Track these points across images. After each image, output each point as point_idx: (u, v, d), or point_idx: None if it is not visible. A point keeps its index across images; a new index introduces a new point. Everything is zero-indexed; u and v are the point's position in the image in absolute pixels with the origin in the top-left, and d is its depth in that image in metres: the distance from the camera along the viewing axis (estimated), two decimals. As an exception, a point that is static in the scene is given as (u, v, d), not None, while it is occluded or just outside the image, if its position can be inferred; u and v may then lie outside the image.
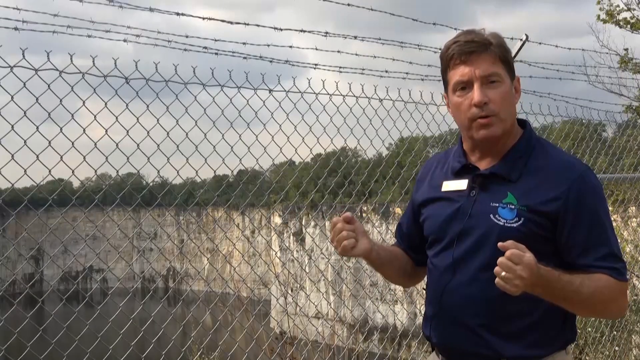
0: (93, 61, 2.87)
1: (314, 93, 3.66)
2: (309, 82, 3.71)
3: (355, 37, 4.01)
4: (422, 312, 2.16)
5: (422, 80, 4.39)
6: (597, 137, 5.80)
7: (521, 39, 4.12)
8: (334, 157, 5.18)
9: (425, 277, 2.14)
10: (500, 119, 1.90)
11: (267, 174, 6.68)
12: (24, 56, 2.60)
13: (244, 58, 3.48)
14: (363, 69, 4.04)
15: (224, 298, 4.37)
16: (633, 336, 5.98)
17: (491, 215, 1.88)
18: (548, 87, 5.30)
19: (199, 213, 41.62)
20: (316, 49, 3.76)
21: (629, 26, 11.48)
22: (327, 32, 3.74)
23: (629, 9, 11.44)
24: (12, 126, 2.69)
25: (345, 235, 1.97)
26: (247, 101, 3.49)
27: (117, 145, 3.04)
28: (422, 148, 4.95)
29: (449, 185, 2.03)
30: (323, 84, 3.70)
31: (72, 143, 2.88)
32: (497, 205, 1.89)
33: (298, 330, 4.68)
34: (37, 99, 2.70)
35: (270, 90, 3.51)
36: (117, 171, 3.11)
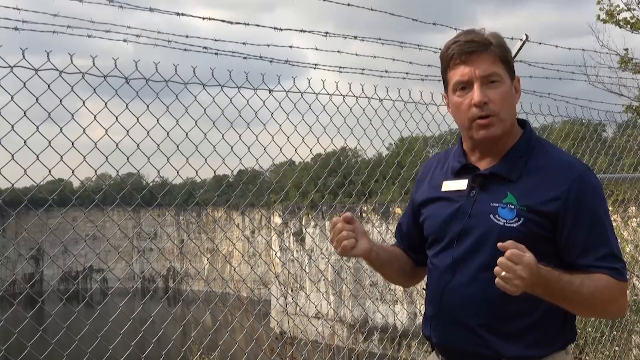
0: (93, 61, 2.87)
1: (314, 93, 3.66)
2: (309, 82, 3.71)
3: (355, 37, 4.02)
4: (422, 312, 2.16)
5: (422, 80, 4.40)
6: (597, 137, 5.80)
7: (521, 39, 4.12)
8: (334, 157, 5.18)
9: (425, 277, 2.14)
10: (500, 119, 1.90)
11: (267, 174, 6.68)
12: (24, 56, 2.61)
13: (244, 58, 3.48)
14: (363, 69, 4.04)
15: (224, 298, 4.37)
16: (633, 336, 5.98)
17: (491, 215, 1.88)
18: (548, 87, 5.30)
19: (199, 213, 41.62)
20: (316, 49, 3.76)
21: (629, 26, 11.48)
22: (327, 32, 3.75)
23: (629, 9, 11.45)
24: (12, 126, 2.70)
25: (345, 236, 1.97)
26: (247, 101, 3.50)
27: (117, 145, 3.04)
28: (422, 148, 4.95)
29: (449, 185, 2.03)
30: (323, 84, 3.70)
31: (72, 143, 2.88)
32: (497, 205, 1.89)
33: (298, 330, 4.68)
34: (37, 99, 2.71)
35: (270, 90, 3.51)
36: (117, 171, 3.11)
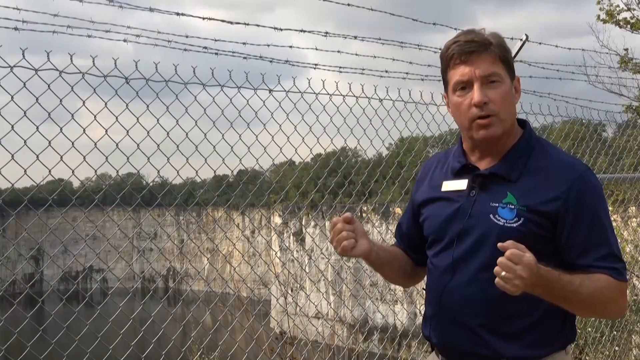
0: (93, 61, 2.87)
1: (314, 93, 3.66)
2: (309, 82, 3.71)
3: (355, 37, 4.02)
4: (422, 312, 2.16)
5: (422, 80, 4.40)
6: (597, 137, 5.80)
7: (521, 39, 4.12)
8: (334, 157, 5.18)
9: (425, 277, 2.14)
10: (500, 119, 1.90)
11: (267, 174, 6.68)
12: (24, 56, 2.61)
13: (244, 58, 3.48)
14: (363, 69, 4.04)
15: (224, 298, 4.37)
16: (633, 336, 5.98)
17: (491, 215, 1.88)
18: (548, 87, 5.30)
19: (199, 213, 41.64)
20: (316, 49, 3.76)
21: (629, 26, 11.48)
22: (327, 32, 3.74)
23: (629, 9, 11.45)
24: (12, 126, 2.70)
25: (345, 236, 1.96)
26: (247, 101, 3.50)
27: (117, 145, 3.04)
28: (422, 148, 4.95)
29: (449, 185, 2.03)
30: (323, 84, 3.70)
31: (72, 143, 2.88)
32: (497, 205, 1.89)
33: (298, 330, 4.68)
34: (37, 99, 2.70)
35: (270, 90, 3.51)
36: (117, 171, 3.11)
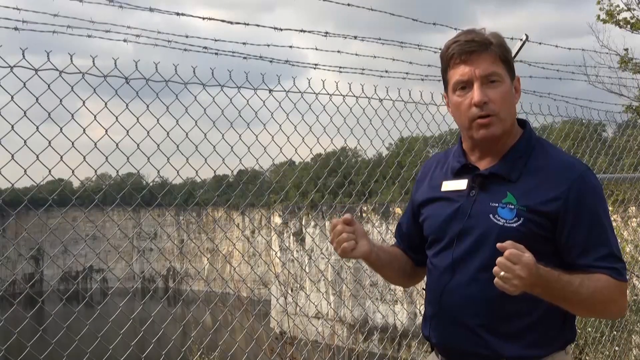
0: (93, 61, 2.87)
1: (314, 93, 3.66)
2: (309, 82, 3.71)
3: (355, 37, 4.02)
4: (422, 312, 2.16)
5: (422, 80, 4.40)
6: (597, 137, 5.80)
7: (521, 39, 4.12)
8: (334, 157, 5.18)
9: (425, 277, 2.14)
10: (500, 118, 1.90)
11: (267, 174, 6.68)
12: (24, 56, 2.61)
13: (244, 58, 3.48)
14: (363, 69, 4.04)
15: (224, 298, 4.37)
16: (633, 336, 5.98)
17: (491, 215, 1.88)
18: (548, 87, 5.30)
19: (199, 213, 41.64)
20: (316, 49, 3.76)
21: (629, 26, 11.49)
22: (327, 32, 3.74)
23: (629, 9, 11.46)
24: (12, 126, 2.70)
25: (345, 238, 1.96)
26: (247, 101, 3.50)
27: (117, 145, 3.04)
28: (422, 148, 4.95)
29: (449, 185, 2.03)
30: (323, 84, 3.70)
31: (72, 143, 2.88)
32: (497, 205, 1.89)
33: (298, 330, 4.68)
34: (37, 99, 2.70)
35: (270, 90, 3.51)
36: (117, 171, 3.11)
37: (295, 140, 3.68)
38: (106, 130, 2.98)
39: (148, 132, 3.07)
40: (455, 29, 3.58)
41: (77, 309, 3.34)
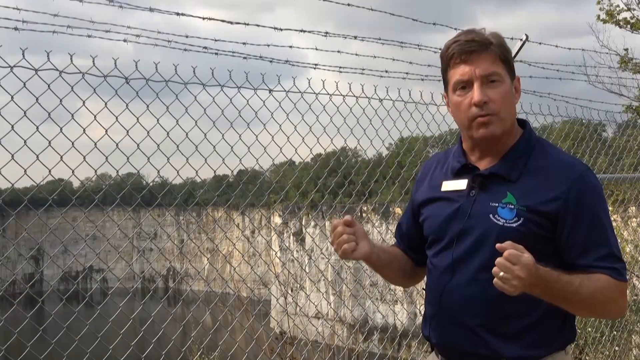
0: (93, 61, 2.87)
1: (314, 93, 3.66)
2: (309, 82, 3.71)
3: (355, 37, 4.02)
4: (422, 312, 2.16)
5: (422, 80, 4.40)
6: (597, 137, 5.80)
7: (521, 39, 4.12)
8: (334, 157, 5.18)
9: (425, 277, 2.14)
10: (500, 118, 1.90)
11: (267, 174, 6.68)
12: (24, 56, 2.61)
13: (244, 58, 3.48)
14: (363, 69, 4.04)
15: (224, 298, 4.37)
16: (633, 336, 5.98)
17: (491, 215, 1.88)
18: (548, 87, 5.30)
19: (199, 213, 41.65)
20: (316, 49, 3.76)
21: (629, 26, 11.49)
22: (327, 32, 3.74)
23: (629, 9, 11.46)
24: (12, 126, 2.70)
25: (345, 239, 1.96)
26: (247, 101, 3.50)
27: (117, 145, 3.04)
28: (422, 148, 4.95)
29: (449, 185, 2.03)
30: (323, 84, 3.70)
31: (72, 143, 2.88)
32: (497, 205, 1.89)
33: (298, 330, 4.68)
34: (37, 99, 2.71)
35: (270, 90, 3.51)
36: (117, 171, 3.11)
37: (295, 140, 3.68)
38: (106, 130, 2.98)
39: (148, 132, 3.08)
40: (455, 29, 3.58)
41: (77, 309, 3.34)
